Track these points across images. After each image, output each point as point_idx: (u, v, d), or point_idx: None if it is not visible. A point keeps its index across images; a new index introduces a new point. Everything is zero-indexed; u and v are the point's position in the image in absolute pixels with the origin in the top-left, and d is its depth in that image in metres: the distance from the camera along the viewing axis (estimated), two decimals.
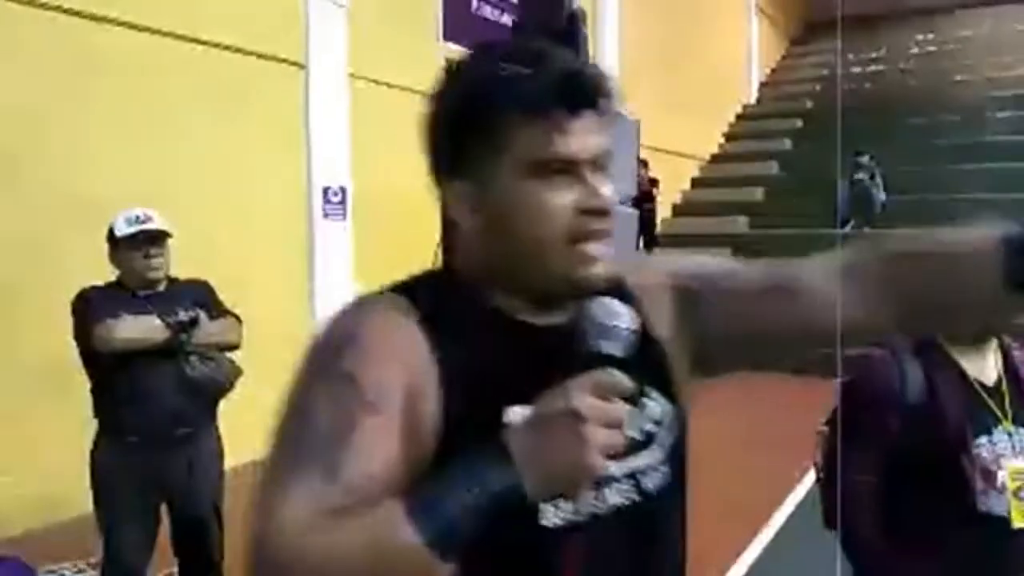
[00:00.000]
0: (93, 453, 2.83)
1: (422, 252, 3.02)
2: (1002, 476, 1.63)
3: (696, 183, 14.38)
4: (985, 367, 1.73)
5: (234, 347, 2.95)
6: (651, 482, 0.92)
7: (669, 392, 0.96)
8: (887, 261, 0.94)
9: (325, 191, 6.13)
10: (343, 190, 6.20)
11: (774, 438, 5.36)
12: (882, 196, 10.80)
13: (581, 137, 0.86)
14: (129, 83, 5.00)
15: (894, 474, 1.72)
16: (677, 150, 13.51)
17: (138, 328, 2.69)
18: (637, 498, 0.91)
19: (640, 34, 11.86)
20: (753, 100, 17.21)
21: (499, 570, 0.81)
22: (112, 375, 2.72)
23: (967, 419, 1.66)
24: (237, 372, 2.94)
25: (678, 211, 13.54)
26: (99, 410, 2.82)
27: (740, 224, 12.48)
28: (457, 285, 0.93)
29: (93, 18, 4.85)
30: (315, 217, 6.12)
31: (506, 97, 0.85)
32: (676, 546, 0.98)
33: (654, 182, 10.97)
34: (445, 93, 0.92)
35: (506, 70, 0.86)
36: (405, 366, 0.83)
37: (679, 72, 12.99)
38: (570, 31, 4.16)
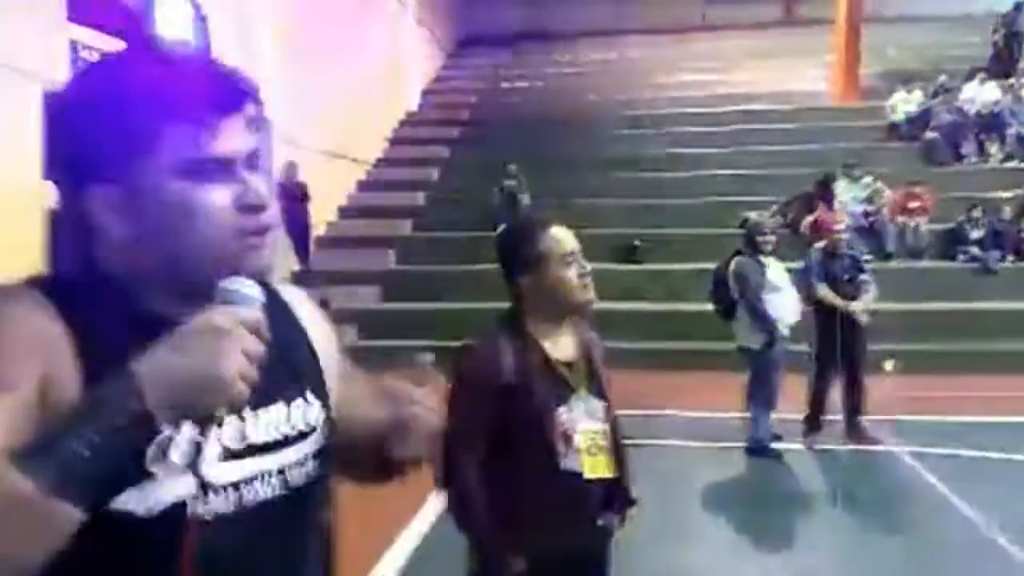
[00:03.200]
0: None
1: (29, 252, 2.68)
2: (577, 439, 1.87)
3: (362, 186, 14.50)
4: (564, 347, 1.98)
5: None
6: (299, 478, 0.95)
7: (324, 400, 1.01)
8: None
9: None
10: None
11: None
12: (527, 201, 11.75)
13: (232, 137, 0.87)
14: None
15: (495, 448, 1.90)
16: (342, 153, 13.52)
17: None
18: (284, 492, 0.93)
19: (296, 38, 11.67)
20: (415, 107, 17.78)
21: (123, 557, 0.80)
22: None
23: (551, 392, 1.89)
24: None
25: (344, 213, 13.55)
26: None
27: (405, 227, 12.82)
28: (100, 282, 0.89)
29: None
30: None
31: (155, 100, 0.85)
32: (319, 539, 1.02)
33: (302, 186, 10.84)
34: (83, 97, 0.86)
35: (151, 73, 0.84)
36: (40, 354, 0.80)
37: (338, 76, 12.99)
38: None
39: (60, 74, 6.10)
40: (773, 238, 5.89)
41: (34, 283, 0.88)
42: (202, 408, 0.76)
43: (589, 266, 1.98)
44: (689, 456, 5.95)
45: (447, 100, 17.98)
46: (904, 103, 13.45)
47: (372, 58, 14.97)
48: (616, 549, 2.12)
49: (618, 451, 2.00)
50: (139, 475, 0.79)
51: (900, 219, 10.84)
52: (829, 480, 5.68)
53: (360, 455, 1.08)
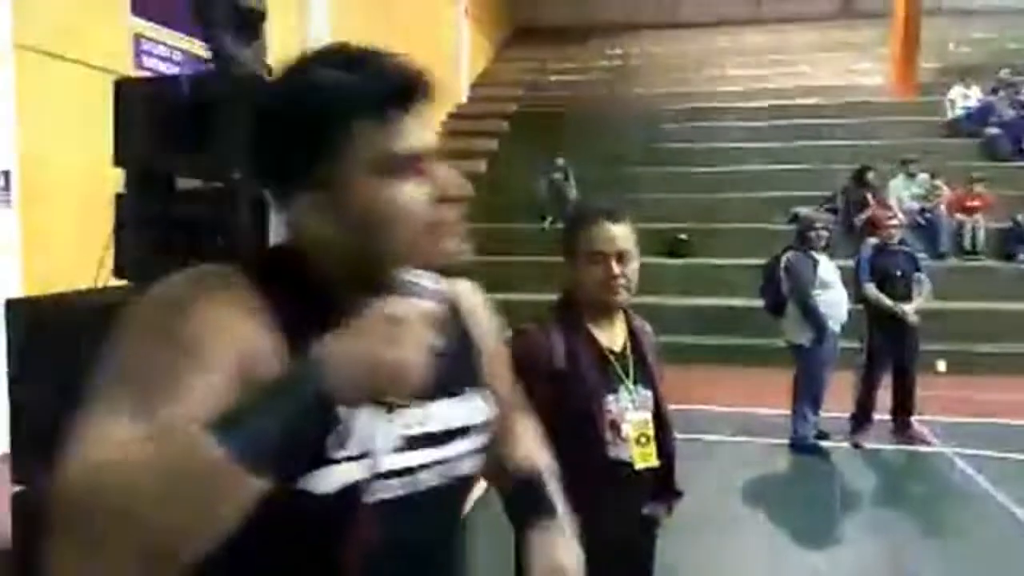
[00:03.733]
0: None
1: (101, 240, 2.79)
2: (626, 428, 1.90)
3: None
4: (614, 336, 2.00)
5: None
6: (461, 470, 1.00)
7: (488, 397, 1.05)
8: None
9: None
10: (6, 174, 5.51)
11: None
12: (574, 194, 11.75)
13: (419, 131, 0.90)
14: None
15: (544, 434, 1.94)
16: None
17: None
18: (448, 483, 0.98)
19: (351, 31, 11.82)
20: (464, 100, 17.86)
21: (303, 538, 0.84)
22: None
23: (601, 381, 1.92)
24: None
25: None
26: None
27: None
28: (297, 273, 0.93)
29: None
30: None
31: (348, 102, 0.86)
32: (463, 529, 1.06)
33: None
34: (277, 101, 0.90)
35: (340, 76, 0.87)
36: (240, 338, 0.83)
37: None
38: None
39: (124, 67, 6.30)
40: (825, 233, 5.81)
41: (239, 265, 0.92)
42: (378, 392, 0.79)
43: (618, 268, 1.95)
44: (734, 451, 5.94)
45: (496, 93, 18.02)
46: (964, 98, 13.11)
47: (422, 51, 14.98)
48: (659, 540, 2.15)
49: (666, 442, 2.02)
50: (320, 456, 0.82)
51: (958, 216, 10.58)
52: (875, 479, 5.62)
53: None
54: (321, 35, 11.06)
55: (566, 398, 1.89)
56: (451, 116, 16.97)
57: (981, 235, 10.55)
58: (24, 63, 5.75)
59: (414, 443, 0.94)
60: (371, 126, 0.87)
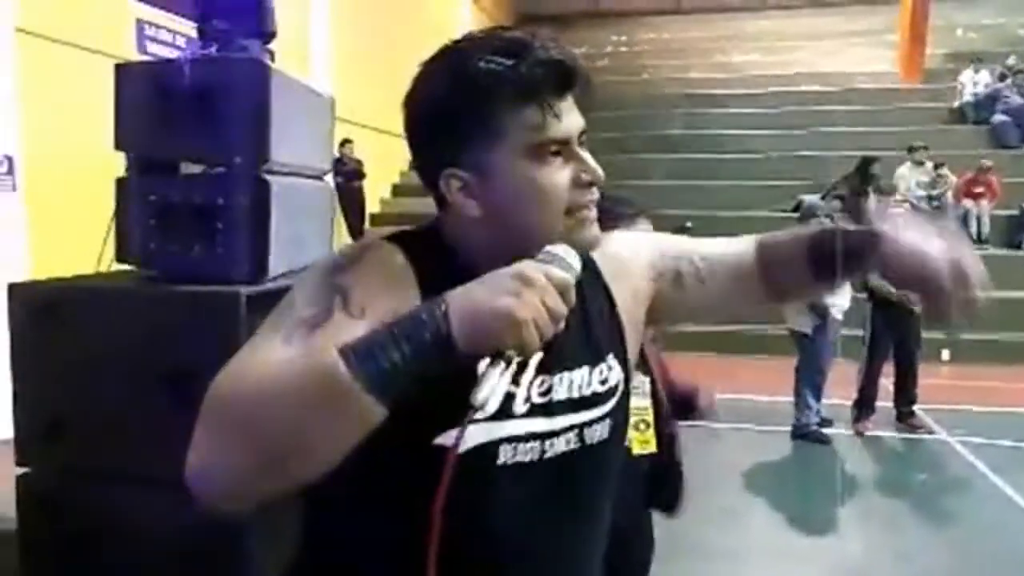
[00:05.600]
0: None
1: (105, 225, 2.80)
2: None
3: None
4: None
5: None
6: (596, 435, 1.03)
7: (624, 363, 1.08)
8: (761, 249, 1.13)
9: None
10: (10, 159, 5.52)
11: None
12: None
13: (570, 117, 0.94)
14: None
15: None
16: (396, 131, 13.60)
17: None
18: (581, 447, 1.01)
19: (353, 16, 11.78)
20: None
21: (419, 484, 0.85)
22: None
23: None
24: None
25: (397, 191, 13.70)
26: None
27: None
28: (446, 250, 0.98)
29: None
30: None
31: (501, 85, 0.89)
32: (609, 494, 1.09)
33: (358, 163, 10.95)
34: (433, 86, 0.94)
35: (493, 60, 0.90)
36: (393, 298, 0.89)
37: (394, 55, 13.07)
38: None
39: (127, 53, 6.29)
40: (828, 221, 5.80)
41: (396, 241, 0.99)
42: (492, 342, 0.79)
43: None
44: (736, 439, 5.94)
45: None
46: (971, 84, 13.03)
47: (429, 37, 15.00)
48: (659, 528, 2.16)
49: (665, 428, 2.02)
50: (455, 413, 0.82)
51: (966, 202, 10.53)
52: (878, 467, 5.63)
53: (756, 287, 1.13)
54: (322, 21, 11.02)
55: None
56: None
57: (987, 223, 10.51)
58: (26, 48, 5.76)
59: (547, 408, 0.99)
60: (528, 113, 0.91)
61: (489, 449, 0.94)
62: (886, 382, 6.08)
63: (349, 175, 10.55)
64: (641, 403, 1.96)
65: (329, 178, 3.39)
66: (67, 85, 5.94)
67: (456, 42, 0.96)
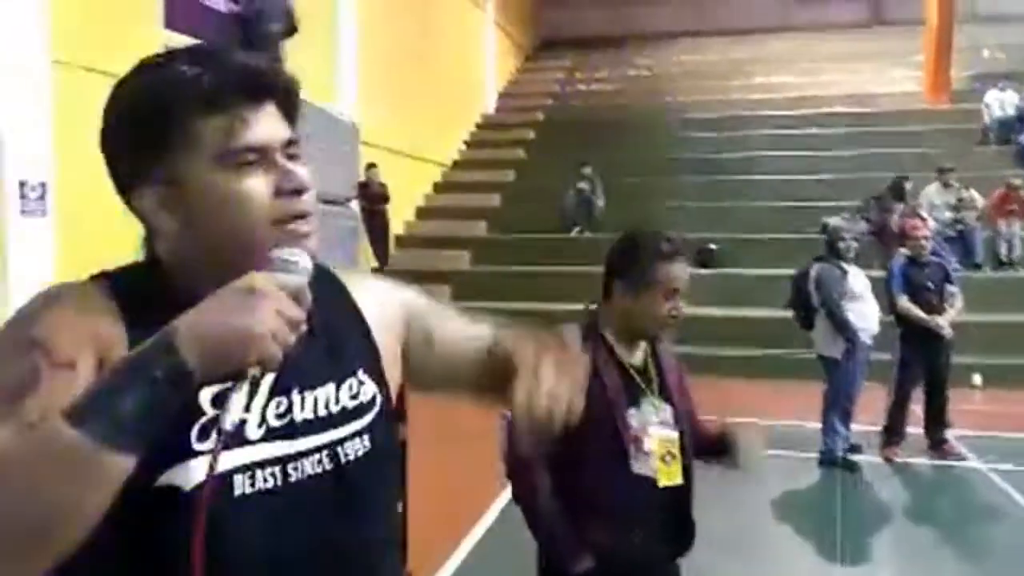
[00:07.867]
0: None
1: (123, 244, 2.85)
2: (648, 442, 1.89)
3: (438, 188, 14.72)
4: (635, 353, 2.00)
5: None
6: (351, 454, 0.97)
7: (378, 379, 1.03)
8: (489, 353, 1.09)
9: (22, 186, 5.52)
10: (43, 185, 5.62)
11: None
12: (601, 203, 11.73)
13: (265, 125, 0.90)
14: None
15: (569, 444, 1.92)
16: (420, 155, 13.75)
17: None
18: (334, 468, 0.95)
19: (379, 42, 11.93)
20: (492, 110, 17.93)
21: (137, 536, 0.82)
22: None
23: (622, 390, 1.91)
24: None
25: (421, 214, 13.79)
26: None
27: (479, 228, 12.97)
28: (160, 275, 0.93)
29: None
30: (10, 215, 5.49)
31: (187, 95, 0.88)
32: (379, 517, 1.02)
33: (383, 186, 11.04)
34: (121, 99, 0.91)
35: (182, 71, 0.88)
36: (96, 338, 0.84)
37: (418, 79, 13.22)
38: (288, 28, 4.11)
39: None
40: (854, 244, 5.72)
41: (97, 278, 0.94)
42: (233, 363, 0.77)
43: (683, 307, 1.96)
44: (764, 465, 5.85)
45: (523, 103, 18.08)
46: (997, 105, 12.91)
47: (450, 61, 15.17)
48: (683, 558, 2.13)
49: (688, 459, 2.00)
50: (184, 447, 0.82)
51: (1000, 221, 10.39)
52: (908, 494, 5.52)
53: (482, 382, 1.09)
54: (349, 47, 11.17)
55: (587, 407, 1.88)
56: (479, 126, 17.06)
57: (1017, 245, 10.37)
58: (61, 77, 5.88)
59: (288, 431, 0.93)
60: (213, 121, 0.88)
61: (225, 479, 0.86)
62: (915, 408, 5.98)
63: (374, 199, 10.64)
64: (670, 435, 1.94)
65: (354, 203, 3.43)
66: (100, 113, 6.05)
67: (151, 56, 0.93)
